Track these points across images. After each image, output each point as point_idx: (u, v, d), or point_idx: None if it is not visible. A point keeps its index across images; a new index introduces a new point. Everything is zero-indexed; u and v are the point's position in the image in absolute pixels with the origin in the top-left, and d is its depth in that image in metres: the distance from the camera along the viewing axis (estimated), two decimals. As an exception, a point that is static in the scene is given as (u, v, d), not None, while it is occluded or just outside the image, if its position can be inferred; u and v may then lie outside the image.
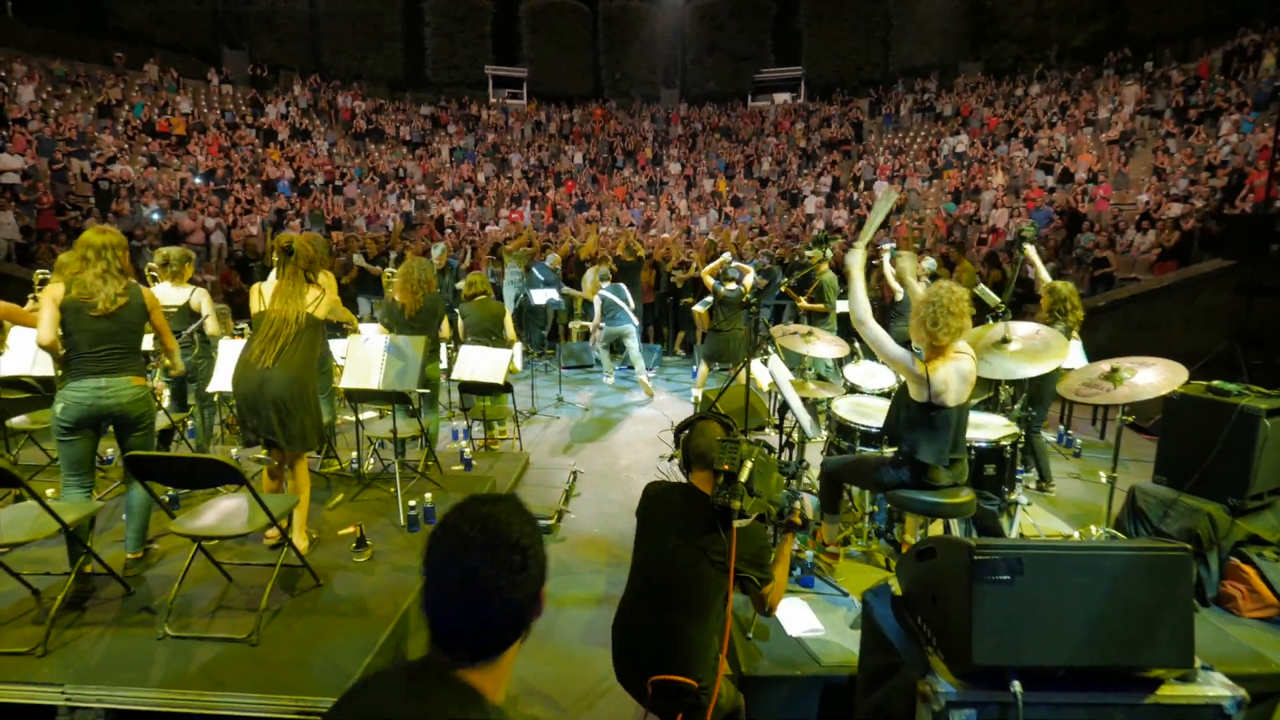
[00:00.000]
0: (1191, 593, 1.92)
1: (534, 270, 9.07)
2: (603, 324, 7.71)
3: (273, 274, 3.43)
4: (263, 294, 3.37)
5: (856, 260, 3.03)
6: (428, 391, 4.52)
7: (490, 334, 5.75)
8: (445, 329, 4.96)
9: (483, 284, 5.93)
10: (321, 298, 3.40)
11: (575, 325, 9.22)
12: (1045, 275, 4.98)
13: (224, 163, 16.42)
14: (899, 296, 6.66)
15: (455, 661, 1.04)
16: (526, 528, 1.09)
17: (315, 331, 3.40)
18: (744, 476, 1.98)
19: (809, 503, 2.93)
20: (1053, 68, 19.47)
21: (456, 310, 5.91)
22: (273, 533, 3.35)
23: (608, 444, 6.29)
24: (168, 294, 4.50)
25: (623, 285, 8.06)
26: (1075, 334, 4.70)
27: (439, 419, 5.12)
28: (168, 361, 3.63)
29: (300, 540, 3.28)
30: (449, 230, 15.64)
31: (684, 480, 2.28)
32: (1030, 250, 4.79)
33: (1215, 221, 9.96)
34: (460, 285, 8.27)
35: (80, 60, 17.69)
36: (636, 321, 7.98)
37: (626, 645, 2.14)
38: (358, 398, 4.28)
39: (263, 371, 3.22)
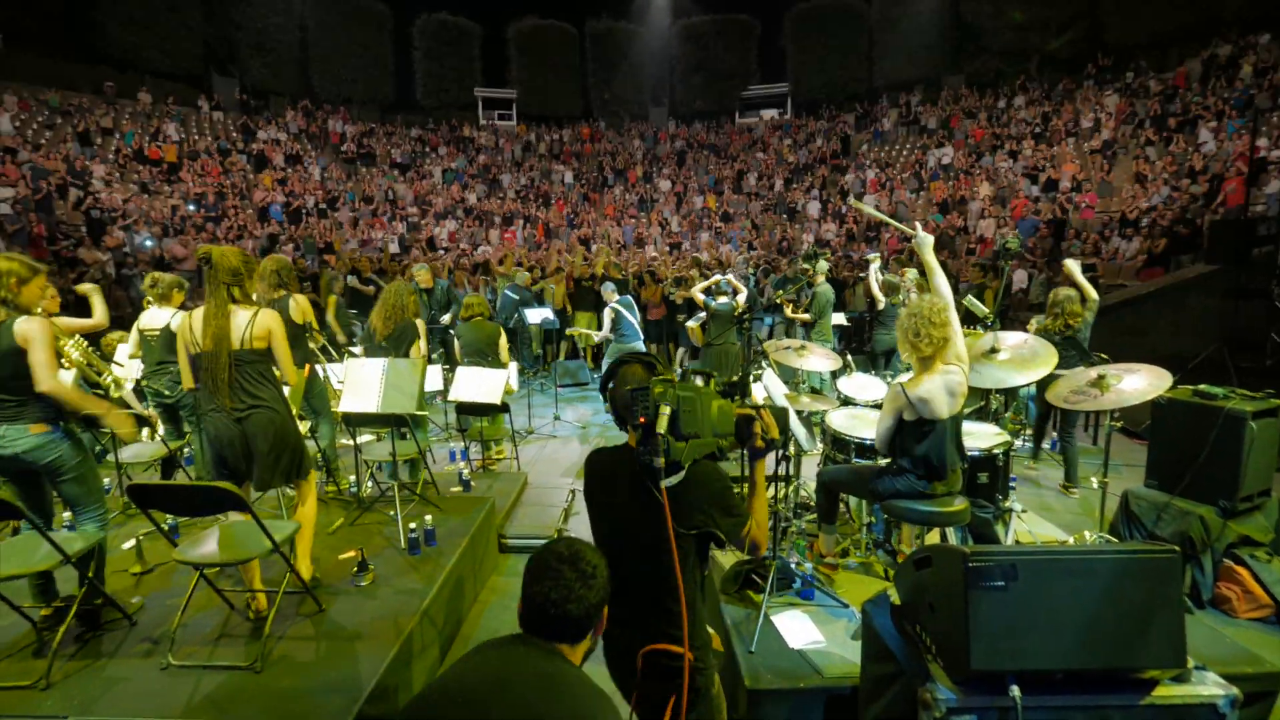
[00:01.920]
0: (1181, 593, 1.95)
1: (507, 291, 9.10)
2: (611, 336, 7.69)
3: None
4: (191, 329, 2.94)
5: (928, 243, 3.13)
6: (424, 413, 4.55)
7: (485, 355, 5.78)
8: (417, 350, 4.94)
9: (480, 306, 5.97)
10: (255, 322, 2.92)
11: (576, 331, 9.17)
12: (1092, 291, 5.00)
13: (215, 189, 16.47)
14: (881, 305, 6.90)
15: (543, 639, 1.50)
16: (597, 558, 1.56)
17: (262, 361, 2.99)
18: (662, 426, 1.67)
19: (799, 428, 2.88)
20: (1033, 79, 19.81)
21: (452, 331, 5.94)
22: (262, 601, 3.07)
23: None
24: (152, 317, 4.55)
25: (632, 301, 7.94)
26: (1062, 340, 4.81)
27: (429, 440, 5.13)
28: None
29: (305, 568, 3.20)
30: (441, 251, 15.72)
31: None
32: (1074, 266, 4.92)
33: (1197, 226, 10.12)
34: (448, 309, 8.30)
35: (70, 89, 17.78)
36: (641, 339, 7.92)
37: (609, 632, 1.86)
38: (356, 421, 4.31)
39: (231, 414, 2.91)
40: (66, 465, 2.86)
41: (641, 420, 1.71)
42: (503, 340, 5.88)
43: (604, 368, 2.56)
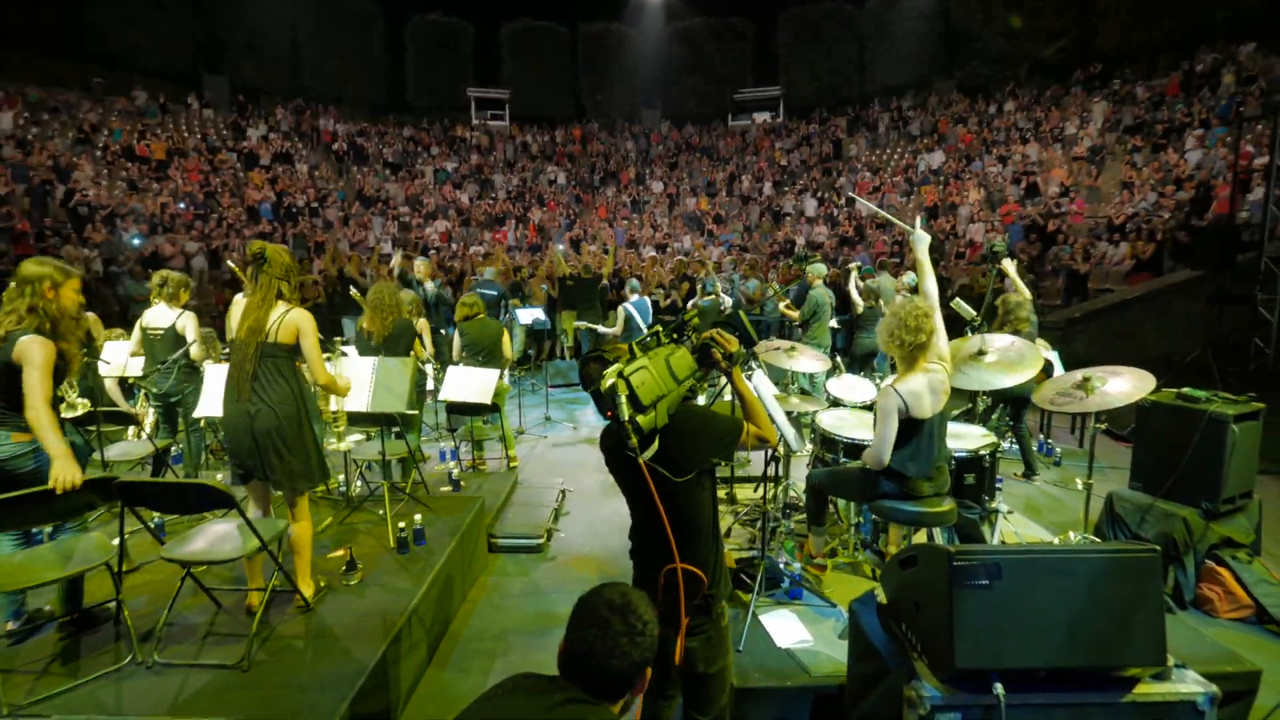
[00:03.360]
0: (1162, 592, 1.98)
1: (482, 291, 9.04)
2: (618, 333, 7.63)
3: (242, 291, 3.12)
4: (230, 317, 2.98)
5: (923, 241, 3.16)
6: (413, 413, 4.54)
7: (491, 354, 5.75)
8: (419, 350, 4.96)
9: (479, 305, 5.95)
10: (283, 320, 2.90)
11: (581, 325, 9.13)
12: (1024, 289, 5.13)
13: (205, 187, 16.36)
14: (860, 309, 7.13)
15: (582, 689, 1.41)
16: (650, 613, 1.48)
17: (285, 357, 2.96)
18: (624, 413, 1.83)
19: (787, 429, 2.98)
20: (1023, 85, 19.98)
21: (455, 329, 5.90)
22: (254, 599, 3.05)
23: (596, 462, 6.30)
24: (157, 316, 4.51)
25: (647, 301, 7.89)
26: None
27: (420, 439, 5.12)
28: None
29: (307, 586, 3.10)
30: (432, 251, 15.67)
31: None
32: (1009, 265, 4.97)
33: (1184, 233, 10.25)
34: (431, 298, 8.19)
35: (59, 86, 17.62)
36: None
37: (640, 558, 2.16)
38: (346, 420, 4.29)
39: (245, 406, 2.88)
40: (47, 475, 2.77)
41: (609, 414, 1.89)
42: (505, 338, 5.86)
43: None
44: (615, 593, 1.48)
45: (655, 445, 1.93)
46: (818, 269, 7.11)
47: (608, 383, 1.87)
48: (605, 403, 1.91)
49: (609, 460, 2.15)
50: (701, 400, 2.82)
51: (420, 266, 8.27)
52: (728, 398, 2.35)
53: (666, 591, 1.98)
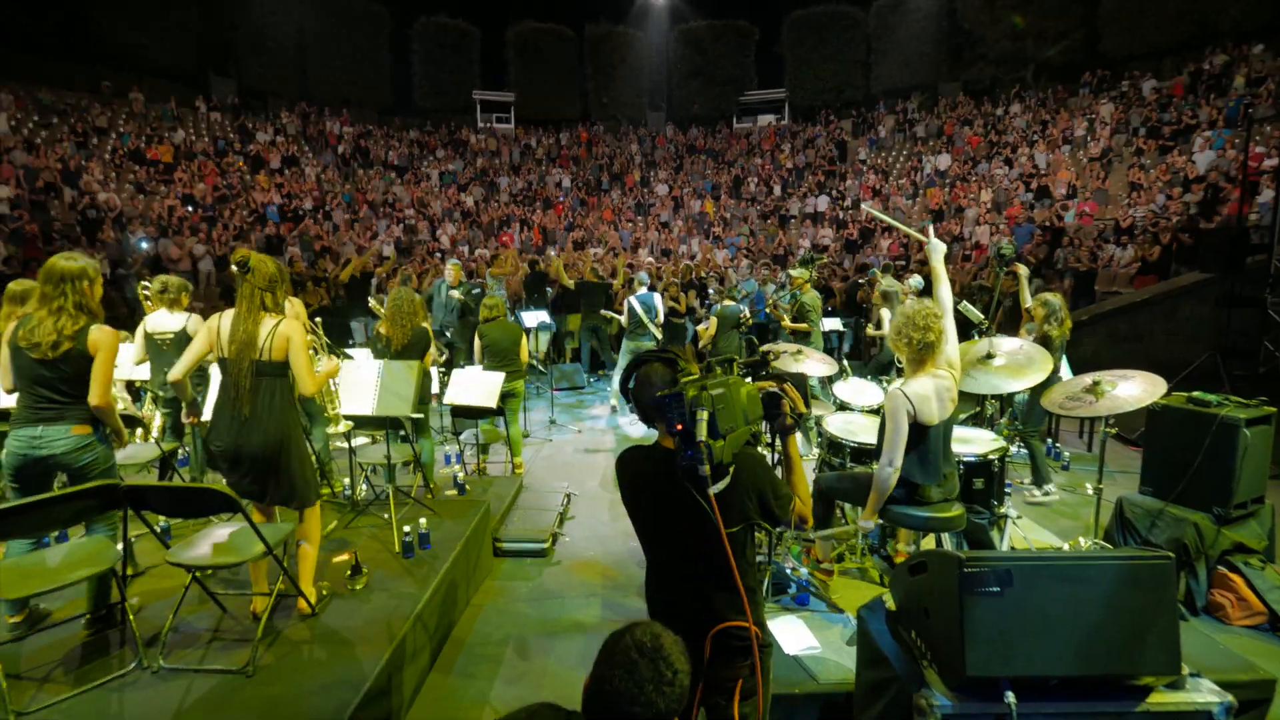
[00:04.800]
0: (1175, 599, 1.95)
1: (452, 293, 9.01)
2: (625, 325, 7.61)
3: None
4: (219, 332, 2.85)
5: (939, 250, 3.14)
6: (420, 417, 4.53)
7: (511, 356, 5.72)
8: (431, 356, 4.98)
9: (502, 307, 5.93)
10: (275, 332, 2.82)
11: (609, 315, 9.12)
12: (1028, 297, 5.10)
13: (212, 190, 16.42)
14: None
15: None
16: (683, 662, 1.34)
17: (281, 375, 2.89)
18: (702, 433, 1.60)
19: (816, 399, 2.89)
20: (1029, 88, 19.92)
21: (478, 333, 5.87)
22: (259, 604, 3.04)
23: (601, 465, 6.29)
24: (164, 320, 4.50)
25: (654, 296, 7.78)
26: (1061, 346, 4.80)
27: (433, 444, 5.12)
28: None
29: (309, 591, 3.08)
30: (437, 254, 15.69)
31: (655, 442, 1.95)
32: (1023, 271, 4.95)
33: (1191, 235, 10.18)
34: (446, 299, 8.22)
35: (66, 88, 17.73)
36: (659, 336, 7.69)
37: (670, 616, 1.80)
38: (351, 423, 4.29)
39: (236, 435, 2.82)
40: (99, 468, 2.90)
41: (679, 427, 1.64)
42: (524, 340, 5.86)
43: (620, 366, 2.55)
44: (647, 634, 1.34)
45: (728, 480, 1.67)
46: (802, 273, 7.07)
47: (693, 393, 1.64)
48: (664, 415, 1.69)
49: (634, 489, 1.92)
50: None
51: (451, 272, 8.33)
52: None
53: (717, 654, 1.79)
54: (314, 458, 4.61)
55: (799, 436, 3.21)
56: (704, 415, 1.61)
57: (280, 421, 2.87)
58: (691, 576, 1.81)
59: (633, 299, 7.59)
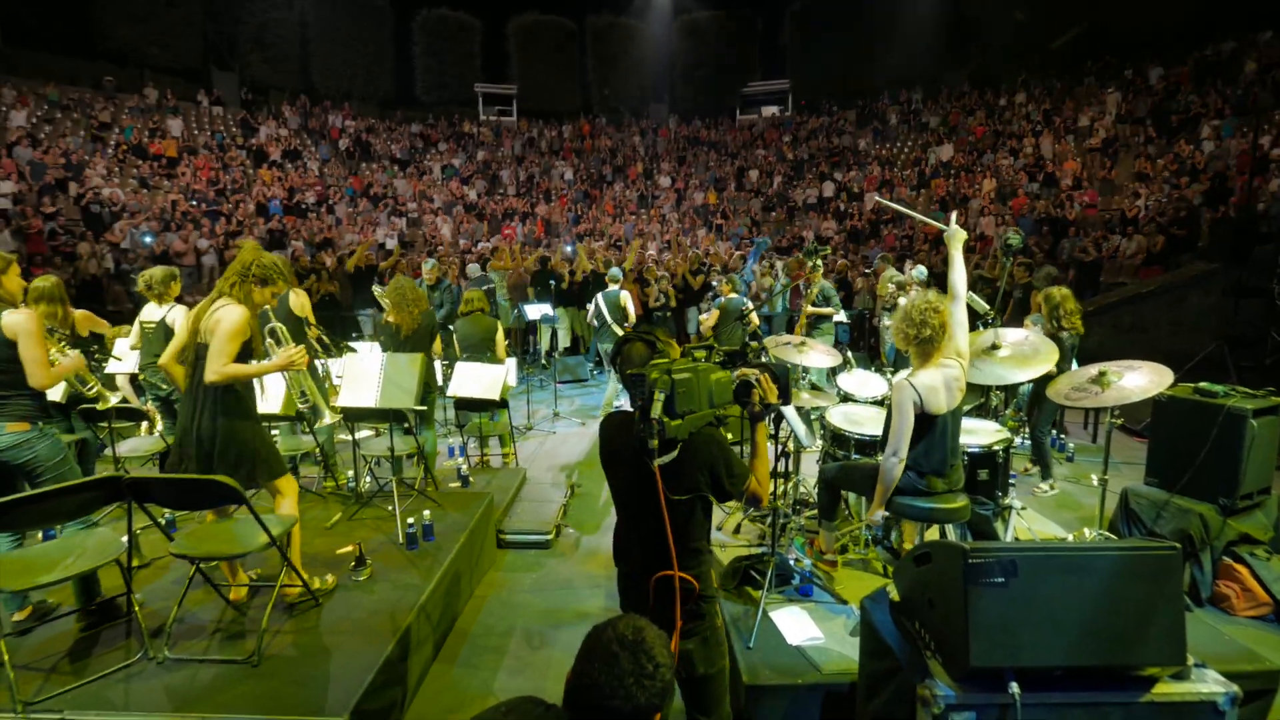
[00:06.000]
0: (1181, 590, 1.94)
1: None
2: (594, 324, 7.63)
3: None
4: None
5: (959, 237, 3.13)
6: (424, 409, 4.54)
7: (482, 350, 5.76)
8: (439, 345, 5.02)
9: (480, 301, 5.95)
10: (211, 317, 2.76)
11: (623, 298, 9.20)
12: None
13: (215, 185, 16.42)
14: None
15: None
16: (665, 655, 1.34)
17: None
18: (656, 411, 1.81)
19: (798, 424, 2.96)
20: (1035, 77, 19.75)
21: (450, 327, 5.92)
22: (238, 593, 3.08)
23: (604, 457, 6.28)
24: (148, 313, 4.55)
25: (623, 294, 7.61)
26: (1073, 347, 4.75)
27: (435, 436, 5.13)
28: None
29: (298, 562, 3.08)
30: (438, 248, 15.69)
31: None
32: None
33: (1199, 225, 10.11)
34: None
35: (70, 84, 17.73)
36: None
37: (626, 570, 2.18)
38: (354, 416, 4.29)
39: (190, 408, 2.82)
40: (43, 465, 2.86)
41: (639, 403, 1.86)
42: (499, 335, 5.85)
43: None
44: (629, 627, 1.34)
45: (674, 454, 1.91)
46: (817, 264, 7.03)
47: (654, 375, 1.85)
48: (638, 390, 1.89)
49: (608, 451, 2.13)
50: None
51: (428, 270, 8.31)
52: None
53: (658, 598, 1.99)
54: (317, 449, 4.64)
55: (801, 427, 3.21)
56: (660, 396, 1.83)
57: (214, 408, 2.82)
58: (643, 531, 2.00)
59: (599, 296, 7.52)
